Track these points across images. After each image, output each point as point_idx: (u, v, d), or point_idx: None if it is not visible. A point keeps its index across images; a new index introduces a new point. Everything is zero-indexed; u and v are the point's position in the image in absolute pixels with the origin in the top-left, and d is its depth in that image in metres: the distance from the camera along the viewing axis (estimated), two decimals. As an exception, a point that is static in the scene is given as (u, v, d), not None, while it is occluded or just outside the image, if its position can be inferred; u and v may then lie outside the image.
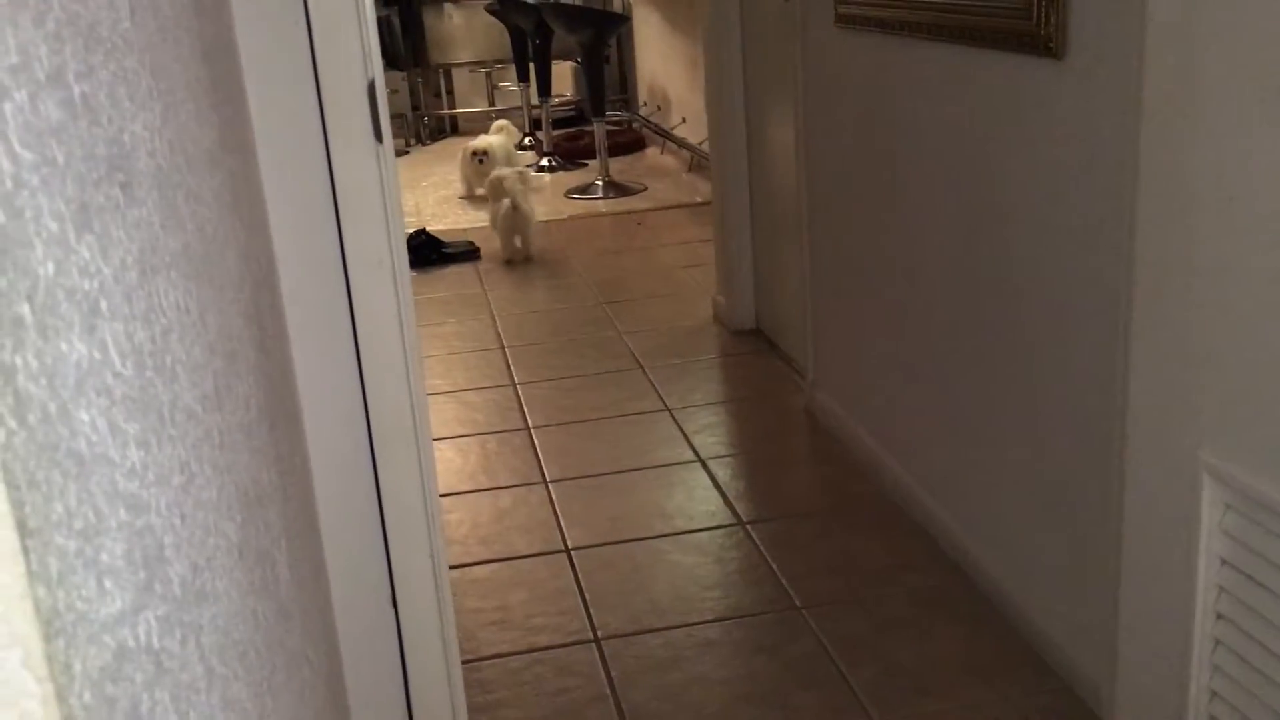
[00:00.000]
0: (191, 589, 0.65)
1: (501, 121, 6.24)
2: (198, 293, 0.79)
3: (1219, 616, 1.42)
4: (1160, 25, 1.39)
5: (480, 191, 5.49)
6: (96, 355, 0.53)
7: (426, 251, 4.82)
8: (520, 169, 5.03)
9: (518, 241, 4.58)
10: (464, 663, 2.10)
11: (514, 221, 4.48)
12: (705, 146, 4.39)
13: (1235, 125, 1.29)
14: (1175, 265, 1.42)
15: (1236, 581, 1.38)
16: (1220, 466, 1.37)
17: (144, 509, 0.57)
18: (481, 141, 5.77)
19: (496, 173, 4.85)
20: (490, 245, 4.89)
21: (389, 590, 1.49)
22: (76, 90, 0.56)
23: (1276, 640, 1.33)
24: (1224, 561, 1.40)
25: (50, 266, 0.48)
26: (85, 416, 0.51)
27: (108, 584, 0.51)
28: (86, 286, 0.53)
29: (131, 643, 0.53)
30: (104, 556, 0.51)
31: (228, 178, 1.02)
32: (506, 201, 4.47)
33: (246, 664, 0.78)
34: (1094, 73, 1.68)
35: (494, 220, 4.68)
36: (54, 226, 0.49)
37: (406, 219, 5.45)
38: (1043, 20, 1.75)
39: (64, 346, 0.49)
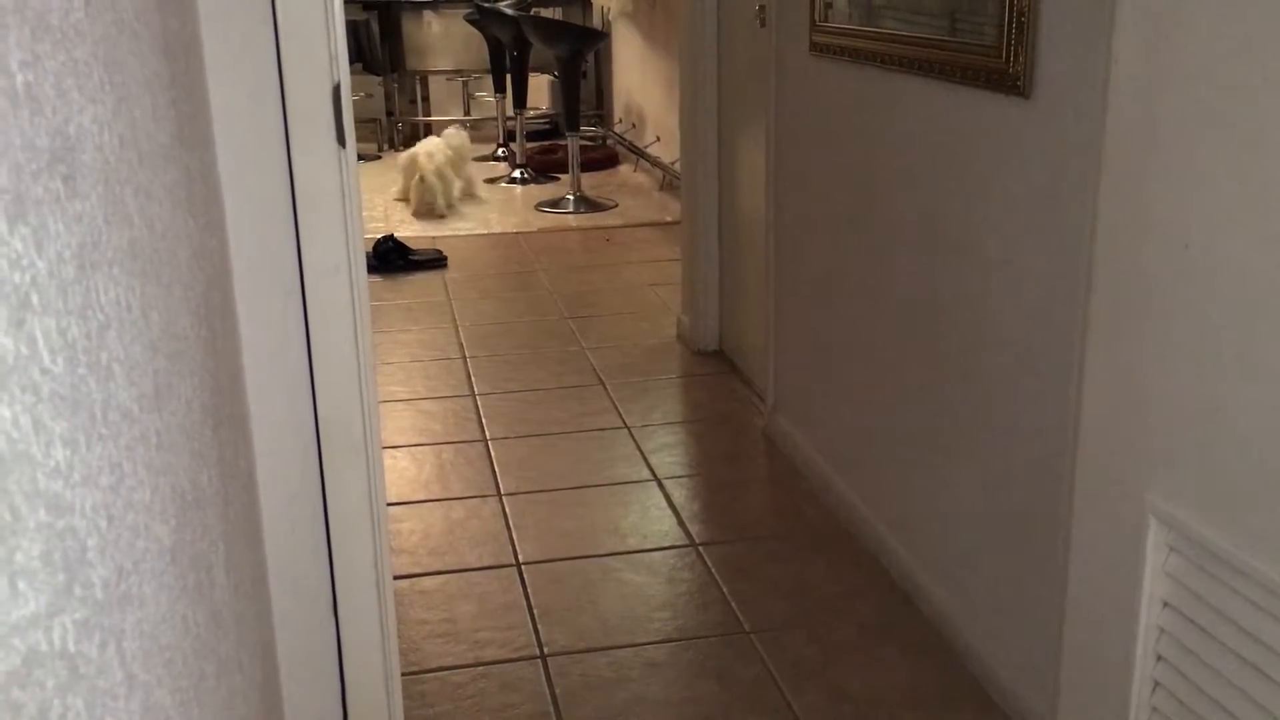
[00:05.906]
0: (115, 592, 0.64)
1: (451, 130, 6.27)
2: (142, 290, 0.77)
3: (1159, 658, 1.43)
4: (1123, 71, 1.41)
5: (448, 202, 5.96)
6: (24, 350, 0.52)
7: (393, 257, 4.80)
8: (443, 151, 6.00)
9: (423, 204, 5.89)
10: (407, 675, 2.08)
11: (421, 191, 5.83)
12: (678, 166, 4.40)
13: (1193, 173, 1.31)
14: (1129, 308, 1.43)
15: (1178, 624, 1.39)
16: (1166, 509, 1.38)
17: (67, 510, 0.56)
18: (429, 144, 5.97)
19: (415, 151, 5.91)
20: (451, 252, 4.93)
21: (331, 599, 1.47)
22: (19, 79, 0.55)
23: (1214, 684, 1.33)
24: (1166, 604, 1.41)
25: (-24, 258, 0.47)
26: (7, 412, 0.49)
27: (21, 585, 0.49)
28: (17, 279, 0.52)
29: (44, 647, 0.52)
30: (19, 557, 0.49)
31: (183, 175, 1.01)
32: (418, 175, 5.84)
33: (173, 670, 0.77)
34: (1059, 113, 1.69)
35: (410, 187, 5.99)
36: (-16, 217, 0.48)
37: (375, 224, 5.46)
38: (1011, 59, 1.77)
39: (-13, 340, 0.48)
